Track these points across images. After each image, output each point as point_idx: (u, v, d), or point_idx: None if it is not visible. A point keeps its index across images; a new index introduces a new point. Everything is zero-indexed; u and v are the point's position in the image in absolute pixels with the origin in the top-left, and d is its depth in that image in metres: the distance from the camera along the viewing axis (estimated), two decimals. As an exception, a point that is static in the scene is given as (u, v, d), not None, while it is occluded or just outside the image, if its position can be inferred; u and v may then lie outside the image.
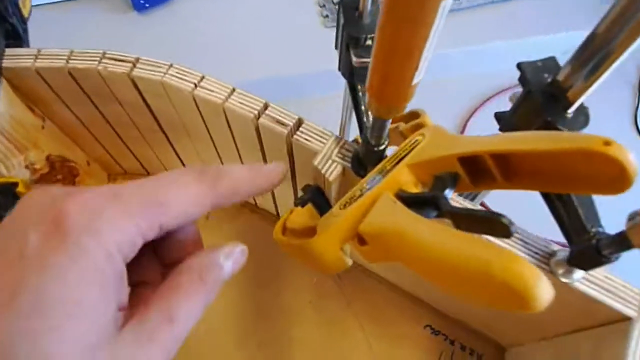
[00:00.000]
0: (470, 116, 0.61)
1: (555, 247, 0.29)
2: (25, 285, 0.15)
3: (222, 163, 0.44)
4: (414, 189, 0.25)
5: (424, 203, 0.23)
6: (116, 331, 0.17)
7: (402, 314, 0.45)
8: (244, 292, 0.46)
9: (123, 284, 0.18)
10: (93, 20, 0.68)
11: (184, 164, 0.48)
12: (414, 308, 0.46)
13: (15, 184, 0.34)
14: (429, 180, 0.26)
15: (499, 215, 0.19)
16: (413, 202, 0.24)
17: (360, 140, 0.33)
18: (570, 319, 0.31)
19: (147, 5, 0.68)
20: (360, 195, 0.26)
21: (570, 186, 0.21)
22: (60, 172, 0.41)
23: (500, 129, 0.29)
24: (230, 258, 0.22)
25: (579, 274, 0.27)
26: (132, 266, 0.18)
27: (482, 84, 0.63)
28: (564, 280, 0.28)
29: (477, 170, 0.24)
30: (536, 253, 0.28)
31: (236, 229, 0.49)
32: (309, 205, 0.33)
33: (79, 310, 0.15)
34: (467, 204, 0.31)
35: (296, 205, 0.33)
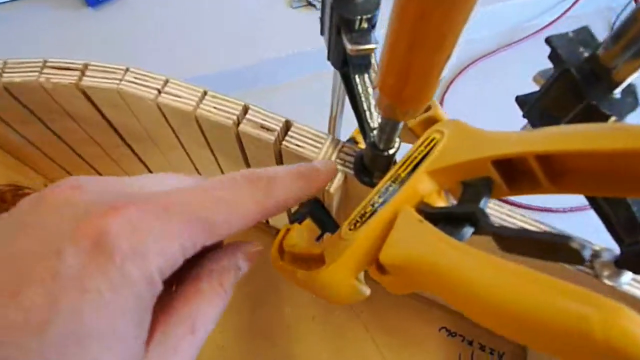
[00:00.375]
0: (447, 88, 0.57)
1: (597, 247, 0.25)
2: (60, 309, 0.13)
3: (200, 174, 0.39)
4: (439, 201, 0.21)
5: (457, 220, 0.19)
6: (144, 352, 0.15)
7: (414, 319, 0.42)
8: (241, 312, 0.42)
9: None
10: (43, 19, 0.61)
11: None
12: (427, 310, 0.42)
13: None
14: (455, 188, 0.21)
15: (566, 238, 0.15)
16: (442, 218, 0.20)
17: (359, 140, 0.29)
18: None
19: (100, -1, 0.61)
20: (373, 212, 0.22)
21: (633, 190, 0.17)
22: (12, 203, 0.36)
23: (526, 116, 0.25)
24: (248, 259, 0.21)
25: (627, 276, 0.24)
26: None
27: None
28: (609, 283, 0.24)
29: (516, 173, 0.20)
30: (576, 255, 0.25)
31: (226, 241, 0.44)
32: (308, 221, 0.28)
33: (115, 341, 0.14)
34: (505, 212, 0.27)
35: (292, 221, 0.28)
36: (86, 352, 0.13)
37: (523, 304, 0.13)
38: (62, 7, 0.63)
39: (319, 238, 0.29)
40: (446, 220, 0.19)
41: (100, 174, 0.42)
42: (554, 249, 0.16)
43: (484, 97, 0.57)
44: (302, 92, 0.54)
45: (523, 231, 0.17)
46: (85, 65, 0.29)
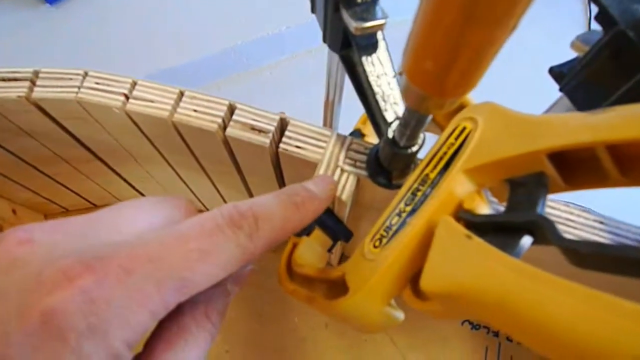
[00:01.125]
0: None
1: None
2: None
3: (186, 186, 0.34)
4: (482, 205, 0.17)
5: (510, 229, 0.16)
6: None
7: (434, 314, 0.39)
8: (247, 326, 0.38)
9: None
10: None
11: (136, 189, 0.38)
12: (447, 304, 0.39)
13: None
14: (499, 188, 0.18)
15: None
16: (491, 228, 0.16)
17: (365, 132, 0.25)
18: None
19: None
20: (402, 224, 0.18)
21: None
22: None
23: (564, 90, 0.21)
24: (237, 282, 0.18)
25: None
26: None
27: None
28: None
29: (575, 165, 0.17)
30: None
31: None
32: (317, 231, 0.24)
33: None
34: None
35: (299, 234, 0.24)
36: None
37: (616, 343, 0.10)
38: (16, 4, 0.57)
39: (331, 249, 0.25)
40: (497, 231, 0.16)
41: (72, 191, 0.38)
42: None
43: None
44: (284, 75, 0.50)
45: (601, 246, 0.13)
46: (36, 74, 0.25)
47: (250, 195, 0.32)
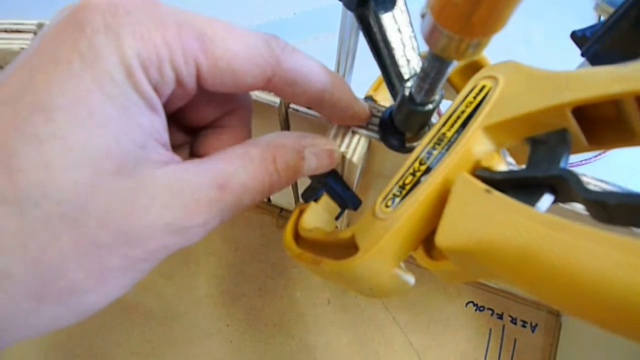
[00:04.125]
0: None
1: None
2: (32, 84, 0.13)
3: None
4: (501, 164, 0.17)
5: (530, 186, 0.15)
6: (146, 167, 0.14)
7: (437, 295, 0.38)
8: (248, 301, 0.38)
9: (155, 117, 0.14)
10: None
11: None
12: (450, 284, 0.38)
13: None
14: (519, 147, 0.17)
15: None
16: (510, 185, 0.15)
17: (376, 99, 0.24)
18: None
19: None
20: (416, 183, 0.17)
21: None
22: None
23: (586, 55, 0.20)
24: (317, 154, 0.18)
25: None
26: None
27: None
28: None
29: (598, 121, 0.16)
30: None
31: (220, 226, 0.40)
32: (324, 197, 0.24)
33: (89, 122, 0.13)
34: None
35: (306, 199, 0.24)
36: (54, 126, 0.12)
37: None
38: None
39: (338, 217, 0.25)
40: (516, 188, 0.15)
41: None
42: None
43: (523, 38, 0.50)
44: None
45: (631, 196, 0.13)
46: (39, 26, 0.24)
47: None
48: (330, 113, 0.19)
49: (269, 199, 0.40)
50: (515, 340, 0.37)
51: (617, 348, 0.30)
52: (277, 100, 0.22)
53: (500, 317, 0.38)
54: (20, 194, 0.11)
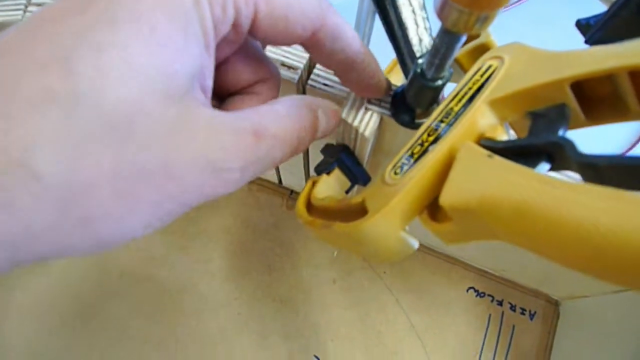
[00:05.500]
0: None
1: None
2: None
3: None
4: (504, 136, 0.18)
5: (529, 154, 0.16)
6: (191, 100, 0.14)
7: (440, 279, 0.39)
8: (257, 277, 0.39)
9: (206, 56, 0.14)
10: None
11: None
12: (453, 270, 0.40)
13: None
14: (520, 121, 0.18)
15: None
16: (510, 153, 0.17)
17: (390, 80, 0.25)
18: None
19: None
20: (424, 152, 0.19)
21: None
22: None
23: (589, 42, 0.21)
24: (329, 114, 0.19)
25: None
26: None
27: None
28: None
29: (595, 97, 0.17)
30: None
31: (233, 205, 0.41)
32: (336, 171, 0.25)
33: (150, 38, 0.12)
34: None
35: (319, 172, 0.25)
36: (118, 36, 0.12)
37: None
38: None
39: (348, 191, 0.26)
40: (517, 156, 0.16)
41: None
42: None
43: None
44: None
45: (620, 158, 0.14)
46: None
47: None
48: (357, 79, 0.20)
49: (280, 181, 0.41)
50: (513, 326, 0.38)
51: (613, 337, 0.31)
52: (295, 76, 0.23)
53: (500, 303, 0.39)
54: (72, 96, 0.11)
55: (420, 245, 0.39)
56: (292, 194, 0.42)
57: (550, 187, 0.13)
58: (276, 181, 0.42)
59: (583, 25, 0.21)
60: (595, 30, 0.21)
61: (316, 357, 0.37)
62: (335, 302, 0.38)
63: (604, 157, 0.14)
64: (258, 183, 0.42)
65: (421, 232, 0.37)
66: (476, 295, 0.39)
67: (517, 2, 0.49)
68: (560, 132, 0.16)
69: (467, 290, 0.39)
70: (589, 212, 0.12)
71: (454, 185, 0.16)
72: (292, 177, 0.39)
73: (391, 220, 0.18)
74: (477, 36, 0.24)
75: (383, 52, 0.25)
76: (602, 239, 0.11)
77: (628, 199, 0.12)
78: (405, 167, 0.19)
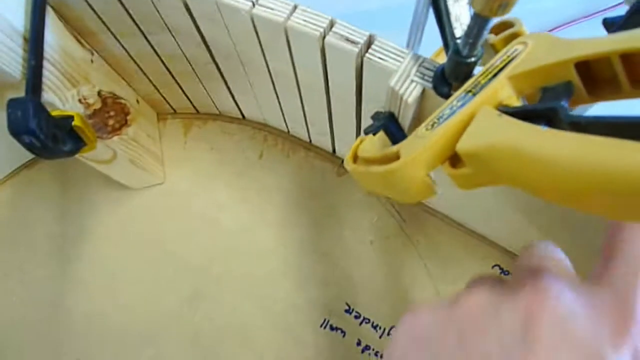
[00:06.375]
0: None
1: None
2: None
3: (278, 100, 0.41)
4: (517, 104, 0.22)
5: (533, 117, 0.20)
6: None
7: (468, 254, 0.43)
8: (301, 232, 0.45)
9: None
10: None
11: (235, 100, 0.46)
12: (481, 246, 0.43)
13: (71, 118, 0.33)
14: (534, 94, 0.22)
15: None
16: (520, 117, 0.21)
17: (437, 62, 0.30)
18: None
19: None
20: (452, 114, 0.23)
21: None
22: (112, 109, 0.40)
23: (612, 37, 0.25)
24: None
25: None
26: None
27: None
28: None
29: (597, 77, 0.21)
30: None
31: (291, 167, 0.47)
32: (381, 134, 0.30)
33: None
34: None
35: (367, 132, 0.30)
36: None
37: (607, 166, 0.14)
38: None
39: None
40: (522, 119, 0.21)
41: (184, 92, 0.46)
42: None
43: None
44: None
45: (601, 117, 0.18)
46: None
47: (330, 112, 0.38)
48: None
49: (334, 150, 0.47)
50: (532, 305, 0.41)
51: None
52: (355, 50, 0.28)
53: (523, 283, 0.42)
54: None
55: (452, 220, 0.43)
56: (343, 162, 0.47)
57: (547, 135, 0.17)
58: (330, 150, 0.47)
59: (609, 24, 0.25)
60: (616, 27, 0.24)
61: (347, 303, 0.42)
62: (369, 261, 0.43)
63: (586, 117, 0.18)
64: (315, 151, 0.48)
65: (460, 212, 0.42)
66: (500, 272, 0.42)
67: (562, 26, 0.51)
68: (563, 102, 0.20)
69: (493, 267, 0.43)
70: (581, 155, 0.15)
71: (469, 136, 0.20)
72: (346, 147, 0.44)
73: (418, 165, 0.23)
74: (511, 25, 0.28)
75: (433, 40, 0.29)
76: (592, 175, 0.15)
77: (593, 140, 0.16)
78: (435, 125, 0.23)
